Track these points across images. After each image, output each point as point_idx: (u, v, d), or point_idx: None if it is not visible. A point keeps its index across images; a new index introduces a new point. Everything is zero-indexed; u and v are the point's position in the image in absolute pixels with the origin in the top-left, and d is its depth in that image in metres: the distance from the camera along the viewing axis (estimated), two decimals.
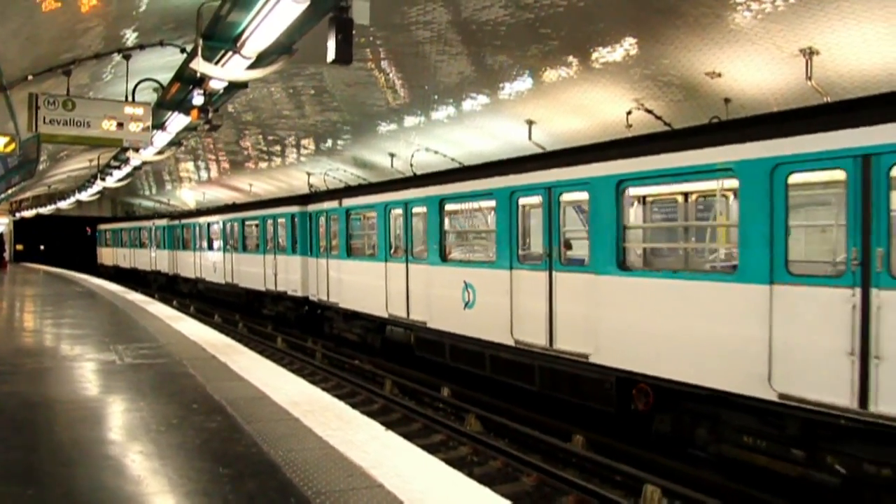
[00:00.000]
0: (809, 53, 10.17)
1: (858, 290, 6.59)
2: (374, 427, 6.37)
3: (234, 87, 12.42)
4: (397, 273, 14.45)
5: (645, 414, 9.04)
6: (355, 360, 16.18)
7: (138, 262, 39.45)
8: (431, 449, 9.24)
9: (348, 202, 16.81)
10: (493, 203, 11.81)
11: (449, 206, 13.26)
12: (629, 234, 9.80)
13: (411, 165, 18.89)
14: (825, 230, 10.15)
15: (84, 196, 37.80)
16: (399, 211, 14.51)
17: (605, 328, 9.35)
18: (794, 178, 7.31)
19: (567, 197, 10.46)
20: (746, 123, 8.17)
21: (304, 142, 23.65)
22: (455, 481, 5.03)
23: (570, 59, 12.75)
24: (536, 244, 11.47)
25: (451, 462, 8.01)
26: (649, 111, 12.85)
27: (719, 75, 11.61)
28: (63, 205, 44.99)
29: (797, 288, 7.13)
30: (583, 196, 10.15)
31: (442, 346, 12.97)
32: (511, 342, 11.04)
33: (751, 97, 11.86)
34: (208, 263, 28.00)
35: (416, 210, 13.95)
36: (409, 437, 8.73)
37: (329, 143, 22.69)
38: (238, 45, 9.66)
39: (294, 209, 20.12)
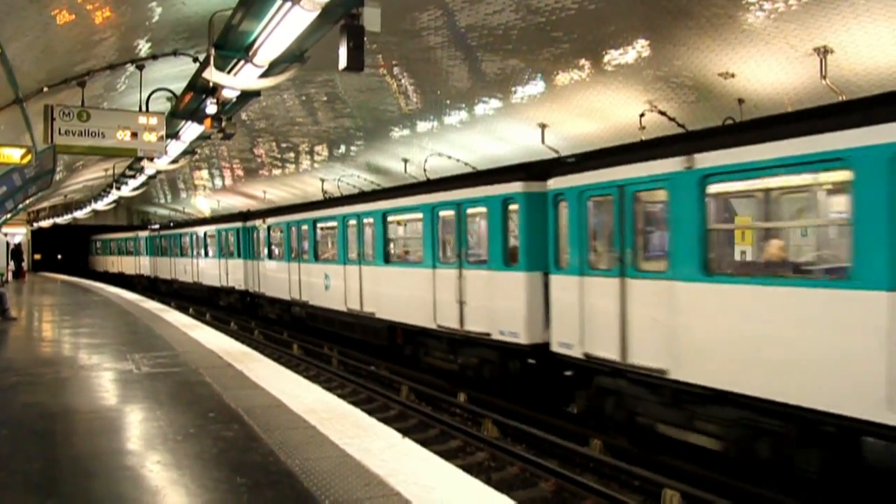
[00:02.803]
0: (824, 52, 10.08)
1: None
2: (391, 434, 6.36)
3: (246, 96, 12.47)
4: (293, 269, 21.22)
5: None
6: (371, 367, 16.20)
7: (125, 268, 46.69)
8: (448, 455, 9.24)
9: (269, 220, 23.43)
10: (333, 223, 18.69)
11: (318, 224, 19.93)
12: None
13: (425, 170, 18.88)
14: None
15: (100, 205, 38.07)
16: (294, 226, 21.43)
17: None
18: None
19: (471, 210, 13.02)
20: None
21: (317, 148, 23.73)
22: (473, 488, 5.01)
23: (582, 61, 12.72)
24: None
25: (468, 468, 8.00)
26: (662, 113, 12.78)
27: (733, 76, 11.54)
28: (79, 214, 45.34)
29: None
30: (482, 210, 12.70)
31: (316, 317, 20.17)
32: (344, 308, 17.71)
33: (765, 97, 11.79)
34: (180, 267, 34.41)
35: (301, 226, 20.89)
36: (425, 443, 8.74)
37: (342, 149, 22.74)
38: (250, 53, 9.71)
39: (238, 224, 26.63)
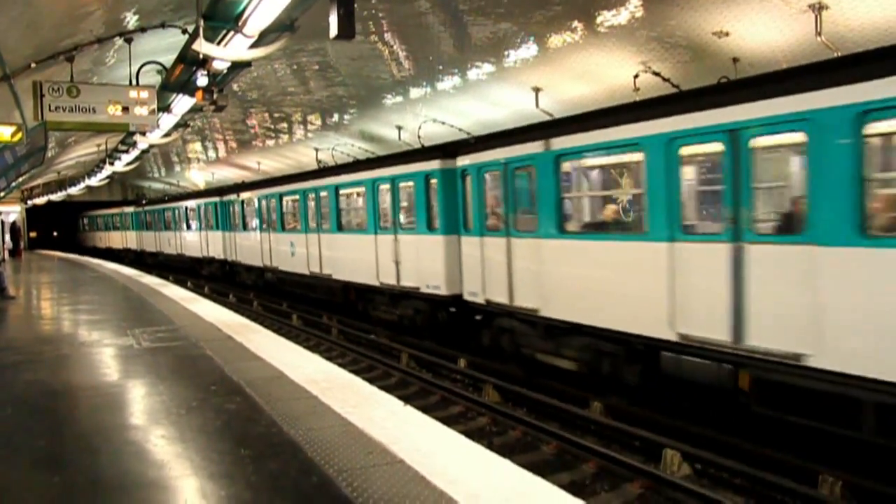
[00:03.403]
0: (818, 8, 9.96)
1: None
2: (392, 402, 6.41)
3: (237, 67, 12.34)
4: (265, 239, 23.44)
5: None
6: (371, 335, 16.26)
7: (112, 243, 49.00)
8: (450, 421, 9.32)
9: (243, 195, 25.54)
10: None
11: (284, 197, 22.14)
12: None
13: (419, 137, 18.79)
14: None
15: (94, 181, 37.91)
16: (264, 200, 23.48)
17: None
18: None
19: (402, 184, 15.09)
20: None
21: (310, 118, 23.54)
22: (475, 453, 5.06)
23: (575, 23, 12.58)
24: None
25: (469, 433, 8.09)
26: (657, 74, 12.68)
27: (727, 34, 11.42)
28: (73, 190, 45.15)
29: None
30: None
31: (284, 281, 22.42)
32: (307, 272, 19.95)
33: (759, 56, 11.68)
34: (165, 240, 36.75)
35: (270, 200, 22.95)
36: (427, 409, 8.82)
37: (335, 118, 22.58)
38: (240, 24, 9.59)
39: (216, 199, 28.56)
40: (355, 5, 7.94)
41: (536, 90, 15.62)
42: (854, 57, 7.68)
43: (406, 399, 8.17)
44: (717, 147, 8.06)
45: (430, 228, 14.04)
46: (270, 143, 28.36)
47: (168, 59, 14.36)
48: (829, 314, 6.87)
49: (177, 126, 18.40)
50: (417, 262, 14.44)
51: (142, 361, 8.65)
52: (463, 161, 13.01)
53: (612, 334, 9.51)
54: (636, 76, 13.00)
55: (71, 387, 7.47)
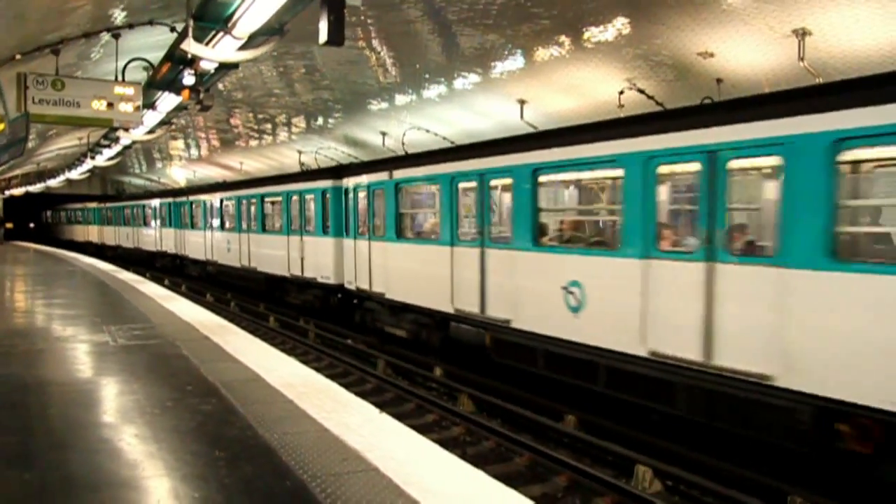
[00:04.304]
0: (802, 34, 10.13)
1: None
2: (368, 409, 6.43)
3: (224, 67, 12.30)
4: (208, 237, 27.12)
5: None
6: (348, 340, 16.26)
7: (76, 235, 53.00)
8: (424, 429, 9.33)
9: (192, 198, 29.40)
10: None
11: (224, 202, 25.81)
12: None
13: (403, 144, 18.82)
14: None
15: (74, 174, 37.50)
16: (209, 203, 27.26)
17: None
18: None
19: (307, 196, 19.05)
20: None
21: (294, 120, 23.50)
22: (449, 463, 5.09)
23: (562, 38, 12.68)
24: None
25: (444, 442, 8.11)
26: (641, 91, 12.82)
27: (712, 55, 11.58)
28: (53, 183, 44.65)
29: None
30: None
31: (222, 272, 26.10)
32: (239, 265, 23.89)
33: (743, 77, 11.85)
34: (124, 234, 40.68)
35: (213, 203, 26.77)
36: (402, 417, 8.82)
37: (320, 121, 22.56)
38: (229, 25, 9.57)
39: (170, 200, 32.15)
40: (345, 12, 7.96)
41: (522, 102, 15.72)
42: (395, 158, 12.79)
43: (381, 406, 8.17)
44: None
45: (325, 232, 17.91)
46: (254, 143, 28.28)
47: (155, 56, 14.29)
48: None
49: (161, 123, 18.29)
50: (316, 258, 18.28)
51: (117, 359, 8.60)
52: (346, 182, 16.77)
53: (426, 311, 13.23)
54: (621, 92, 13.15)
55: (44, 382, 7.42)
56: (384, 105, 18.87)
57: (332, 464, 4.95)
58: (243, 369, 8.06)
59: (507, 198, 12.05)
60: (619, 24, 11.61)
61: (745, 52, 11.24)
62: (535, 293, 10.48)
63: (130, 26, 12.56)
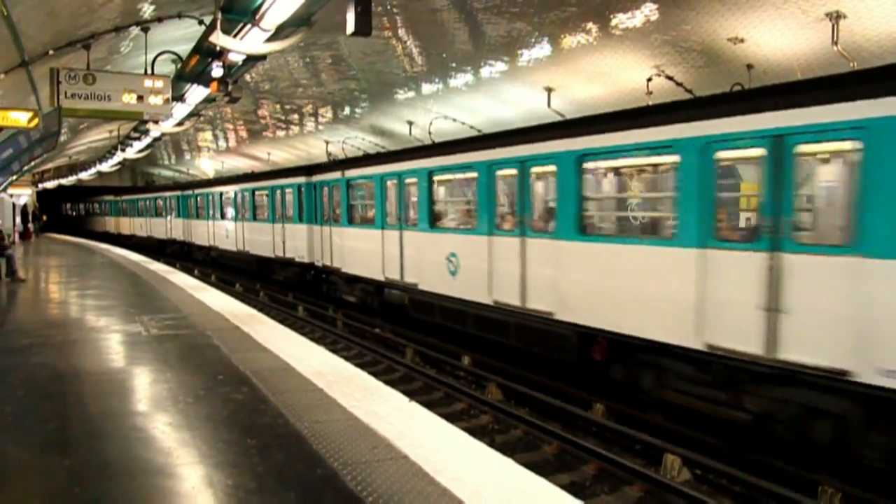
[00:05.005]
0: (836, 17, 9.94)
1: None
2: (397, 398, 6.47)
3: (253, 59, 12.41)
4: (211, 226, 30.90)
5: None
6: (376, 329, 16.34)
7: (96, 226, 57.52)
8: (453, 417, 9.38)
9: (197, 191, 33.31)
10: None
11: (223, 195, 29.60)
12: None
13: (430, 133, 18.83)
14: None
15: (105, 167, 38.04)
16: (211, 196, 30.98)
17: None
18: None
19: (287, 190, 22.70)
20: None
21: (321, 110, 23.58)
22: (478, 451, 5.11)
23: (590, 25, 12.59)
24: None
25: (472, 431, 8.13)
26: (670, 78, 12.70)
27: (742, 41, 11.42)
28: (84, 175, 45.27)
29: None
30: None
31: (222, 256, 29.72)
32: (235, 249, 27.40)
33: (774, 63, 11.68)
34: (136, 225, 45.03)
35: (213, 196, 30.67)
36: (430, 405, 8.86)
37: (347, 111, 22.62)
38: (257, 17, 9.65)
39: (178, 193, 36.19)
40: (372, 2, 7.98)
41: (549, 90, 15.63)
42: (349, 160, 16.34)
43: (410, 394, 8.21)
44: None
45: (300, 220, 21.23)
46: (281, 133, 28.43)
47: (183, 48, 14.42)
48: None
49: (189, 115, 18.48)
50: (294, 241, 21.73)
51: (149, 349, 8.74)
52: (315, 178, 20.19)
53: (369, 281, 16.89)
54: (649, 79, 13.02)
55: (79, 371, 7.56)
56: (410, 94, 18.87)
57: (362, 452, 5.00)
58: (273, 358, 8.15)
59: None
60: (647, 11, 11.50)
61: (776, 37, 11.06)
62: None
63: (159, 20, 12.66)
